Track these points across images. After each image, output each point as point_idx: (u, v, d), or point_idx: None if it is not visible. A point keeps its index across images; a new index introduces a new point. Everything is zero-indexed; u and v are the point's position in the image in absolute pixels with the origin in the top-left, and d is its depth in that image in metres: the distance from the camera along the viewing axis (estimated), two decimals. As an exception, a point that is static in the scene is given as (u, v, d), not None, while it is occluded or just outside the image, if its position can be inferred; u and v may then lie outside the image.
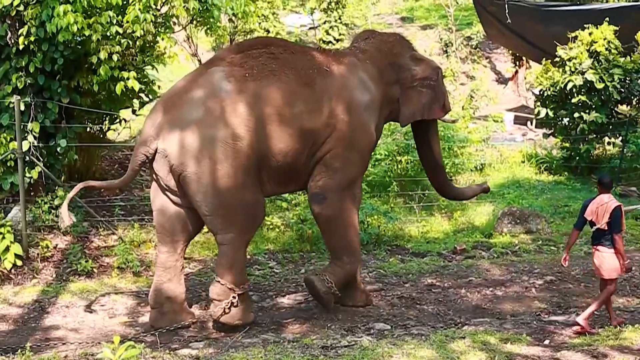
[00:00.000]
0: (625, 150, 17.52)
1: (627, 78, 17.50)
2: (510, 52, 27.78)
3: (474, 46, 30.19)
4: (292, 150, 8.77)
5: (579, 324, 8.49)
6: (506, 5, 22.23)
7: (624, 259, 8.63)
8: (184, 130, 8.37)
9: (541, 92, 18.63)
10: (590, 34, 17.74)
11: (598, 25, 17.84)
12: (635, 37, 19.32)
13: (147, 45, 11.93)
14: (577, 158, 17.86)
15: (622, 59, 17.70)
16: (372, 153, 9.97)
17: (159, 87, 13.30)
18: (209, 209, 8.45)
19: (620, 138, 17.84)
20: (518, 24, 22.73)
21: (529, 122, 23.96)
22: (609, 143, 18.49)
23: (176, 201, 8.69)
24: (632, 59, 17.90)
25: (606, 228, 8.56)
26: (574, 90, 17.38)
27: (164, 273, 8.78)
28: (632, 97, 17.81)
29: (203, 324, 8.94)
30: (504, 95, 28.23)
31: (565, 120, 18.11)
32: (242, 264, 8.75)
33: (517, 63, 28.24)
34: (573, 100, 17.45)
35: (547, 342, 8.09)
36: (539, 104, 18.88)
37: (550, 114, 18.18)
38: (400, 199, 15.05)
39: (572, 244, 9.30)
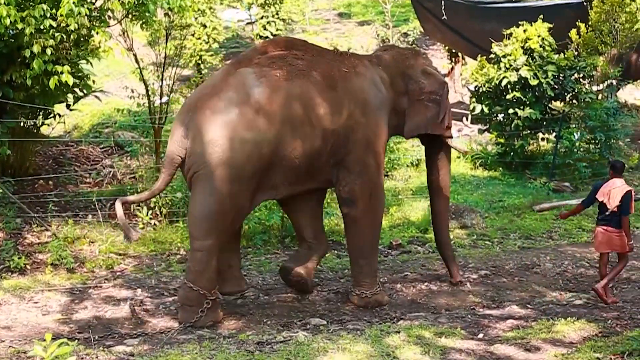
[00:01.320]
0: (558, 146, 17.73)
1: (561, 75, 17.73)
2: (447, 48, 27.96)
3: (410, 42, 30.33)
4: (315, 151, 8.93)
5: (610, 301, 9.39)
6: (442, 2, 22.42)
7: (629, 239, 9.43)
8: (214, 131, 8.37)
9: (476, 88, 18.78)
10: (524, 31, 17.93)
11: (532, 23, 18.04)
12: (569, 34, 19.61)
13: (82, 39, 11.79)
14: (512, 154, 18.04)
15: (555, 56, 17.91)
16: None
17: (93, 81, 13.17)
18: (204, 212, 8.48)
19: (554, 134, 18.05)
20: (454, 21, 22.95)
21: (464, 118, 24.15)
22: (542, 139, 18.72)
23: None
24: (565, 56, 18.13)
25: (616, 210, 9.18)
26: (509, 86, 17.55)
27: (225, 245, 9.03)
28: (566, 94, 18.03)
29: (138, 321, 8.86)
30: (440, 91, 28.37)
31: (500, 116, 18.28)
32: (215, 270, 8.75)
33: (453, 59, 28.44)
34: (508, 97, 17.63)
35: (481, 335, 8.17)
36: (474, 100, 19.02)
37: (486, 110, 18.33)
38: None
39: (573, 213, 10.81)
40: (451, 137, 10.38)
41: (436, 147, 10.30)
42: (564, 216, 10.65)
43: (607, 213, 9.39)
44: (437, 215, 10.56)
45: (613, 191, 9.31)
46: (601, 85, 19.02)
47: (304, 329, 8.49)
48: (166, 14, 13.80)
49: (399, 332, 7.94)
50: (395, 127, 9.91)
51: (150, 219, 12.35)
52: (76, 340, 7.81)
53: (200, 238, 8.53)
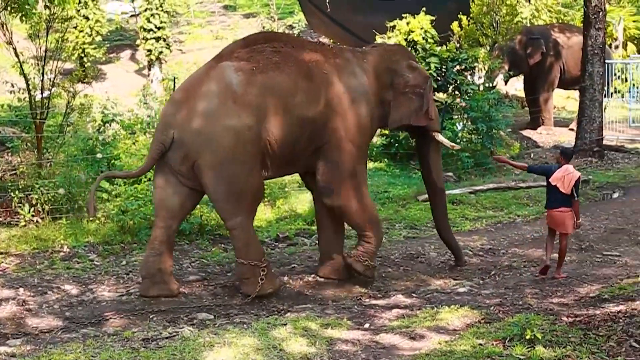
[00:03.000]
0: (442, 136, 17.99)
1: (443, 66, 18.00)
2: (332, 40, 28.14)
3: (296, 35, 30.44)
4: (293, 137, 9.53)
5: (559, 277, 10.19)
6: (327, -5, 22.55)
7: (578, 218, 10.28)
8: (199, 120, 9.12)
9: (361, 80, 18.87)
10: (407, 23, 18.17)
11: (415, 15, 18.26)
12: (451, 26, 19.94)
13: (-42, 32, 11.50)
14: (396, 145, 18.23)
15: (438, 48, 18.19)
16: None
17: (-28, 76, 12.85)
18: (220, 196, 9.29)
19: (437, 125, 18.30)
20: (339, 13, 23.13)
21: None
22: (427, 130, 18.92)
23: (185, 183, 9.38)
24: (447, 48, 18.42)
25: (569, 193, 10.00)
26: (393, 78, 17.70)
27: (157, 246, 9.46)
28: (448, 85, 18.31)
29: (21, 320, 8.67)
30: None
31: (385, 108, 18.43)
32: (256, 240, 9.69)
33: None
34: (391, 88, 17.78)
35: (367, 325, 8.25)
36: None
37: (370, 101, 18.44)
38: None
39: (512, 164, 11.60)
40: (438, 131, 10.87)
41: (426, 141, 10.83)
42: (501, 160, 11.59)
43: (556, 195, 10.12)
44: (435, 208, 11.12)
45: (567, 177, 10.03)
46: (483, 78, 19.36)
47: (191, 324, 8.45)
48: (46, 6, 13.54)
49: (285, 325, 7.96)
50: (381, 119, 10.40)
51: (33, 216, 12.10)
52: (-44, 342, 7.64)
53: (229, 218, 9.36)
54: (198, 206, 12.52)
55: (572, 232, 10.52)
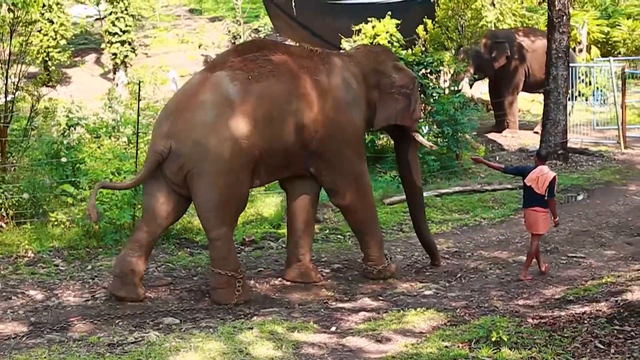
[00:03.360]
0: (407, 140, 18.00)
1: (409, 70, 18.03)
2: (298, 44, 28.15)
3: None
4: (289, 144, 9.72)
5: (524, 279, 10.28)
6: (292, -2, 22.58)
7: (555, 216, 10.53)
8: (197, 131, 9.21)
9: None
10: (373, 27, 18.22)
11: (381, 19, 18.31)
12: (417, 30, 20.01)
13: None
14: (363, 148, 18.21)
15: (403, 52, 18.21)
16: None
17: None
18: (210, 206, 9.37)
19: (403, 128, 18.32)
20: (305, 17, 23.17)
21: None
22: (392, 133, 18.96)
23: (178, 191, 9.47)
24: (413, 51, 18.47)
25: (543, 193, 10.25)
26: (359, 82, 17.73)
27: (137, 248, 9.48)
28: (414, 89, 18.33)
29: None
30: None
31: (351, 111, 18.45)
32: (234, 251, 9.82)
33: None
34: (358, 92, 17.80)
35: (333, 328, 8.27)
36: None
37: (336, 105, 18.46)
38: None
39: (488, 165, 11.66)
40: (418, 131, 11.18)
41: (405, 141, 10.99)
42: (478, 160, 11.72)
43: (532, 195, 10.37)
44: (414, 207, 11.30)
45: (541, 177, 10.29)
46: (448, 81, 19.42)
47: (157, 329, 8.42)
48: (10, 10, 13.42)
49: (252, 329, 7.97)
50: (367, 120, 10.53)
51: (-3, 221, 12.01)
52: None
53: (214, 229, 9.43)
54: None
55: (543, 232, 10.69)
